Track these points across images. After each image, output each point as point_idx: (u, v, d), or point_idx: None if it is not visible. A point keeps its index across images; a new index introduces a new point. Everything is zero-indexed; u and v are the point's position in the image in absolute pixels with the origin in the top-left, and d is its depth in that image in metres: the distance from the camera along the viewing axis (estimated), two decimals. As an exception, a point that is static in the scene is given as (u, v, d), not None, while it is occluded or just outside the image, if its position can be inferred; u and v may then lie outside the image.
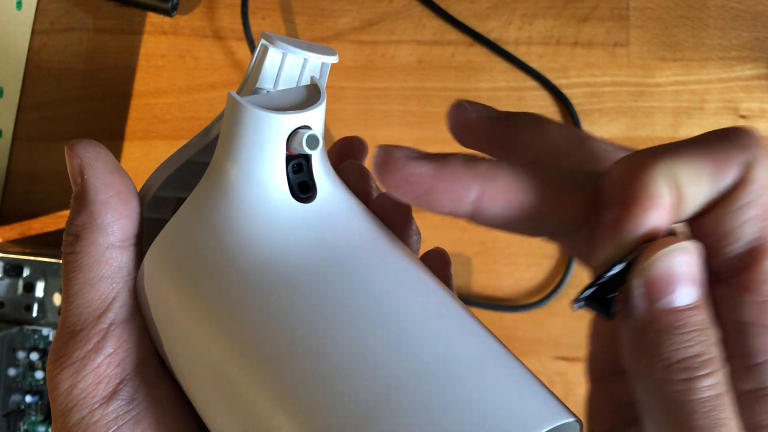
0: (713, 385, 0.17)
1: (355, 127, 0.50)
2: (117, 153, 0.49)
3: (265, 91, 0.24)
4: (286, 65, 0.24)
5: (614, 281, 0.19)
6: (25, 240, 0.48)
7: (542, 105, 0.51)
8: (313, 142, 0.21)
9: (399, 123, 0.50)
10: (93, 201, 0.21)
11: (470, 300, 0.49)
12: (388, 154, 0.19)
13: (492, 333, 0.20)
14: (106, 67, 0.50)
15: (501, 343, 0.20)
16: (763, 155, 0.18)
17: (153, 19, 0.50)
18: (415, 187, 0.19)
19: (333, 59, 0.24)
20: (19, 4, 0.47)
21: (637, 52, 0.51)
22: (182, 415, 0.21)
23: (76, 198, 0.21)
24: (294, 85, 0.24)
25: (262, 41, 0.23)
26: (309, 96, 0.22)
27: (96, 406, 0.20)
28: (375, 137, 0.50)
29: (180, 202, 0.23)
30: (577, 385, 0.49)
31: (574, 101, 0.50)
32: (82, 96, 0.49)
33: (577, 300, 0.19)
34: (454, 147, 0.55)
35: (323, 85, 0.24)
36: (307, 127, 0.21)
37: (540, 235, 0.22)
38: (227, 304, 0.19)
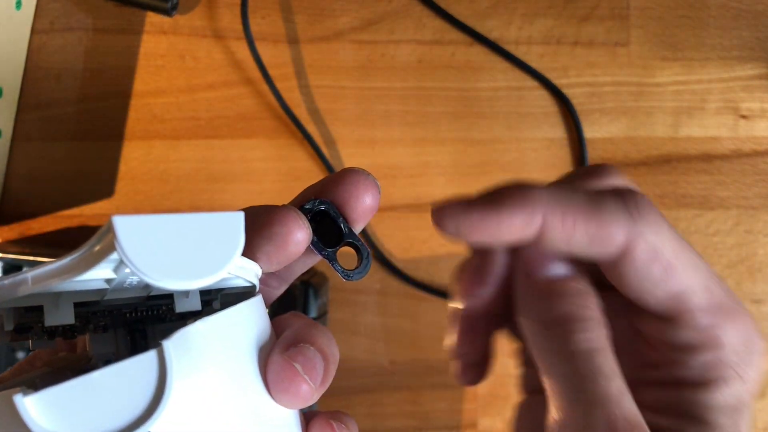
0: (588, 338, 0.20)
1: (355, 127, 0.50)
2: (116, 153, 0.49)
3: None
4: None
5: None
6: (24, 240, 0.48)
7: (542, 105, 0.50)
8: None
9: (399, 123, 0.50)
10: None
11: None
12: (442, 210, 0.22)
13: None
14: (105, 67, 0.50)
15: None
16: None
17: (153, 18, 0.50)
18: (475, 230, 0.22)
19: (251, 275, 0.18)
20: (18, 4, 0.47)
21: (638, 52, 0.51)
22: None
23: None
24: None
25: (108, 231, 0.15)
26: (155, 392, 0.15)
27: None
28: (375, 137, 0.50)
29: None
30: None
31: (574, 101, 0.50)
32: (81, 96, 0.49)
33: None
34: (453, 147, 0.54)
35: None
36: None
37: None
38: None
